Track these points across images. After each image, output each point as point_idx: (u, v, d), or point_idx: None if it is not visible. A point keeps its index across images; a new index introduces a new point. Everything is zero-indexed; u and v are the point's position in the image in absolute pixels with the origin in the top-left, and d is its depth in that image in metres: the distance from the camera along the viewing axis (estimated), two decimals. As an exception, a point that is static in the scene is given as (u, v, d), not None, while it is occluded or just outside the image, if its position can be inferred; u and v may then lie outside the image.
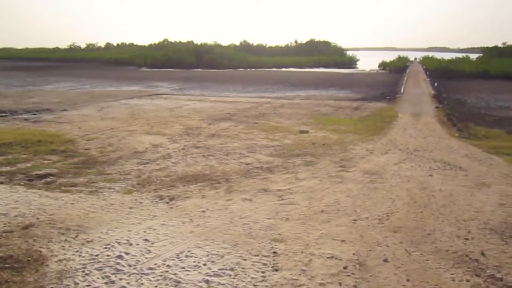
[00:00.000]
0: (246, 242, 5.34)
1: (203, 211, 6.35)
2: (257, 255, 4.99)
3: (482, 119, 17.17)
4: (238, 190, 7.35)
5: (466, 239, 5.51)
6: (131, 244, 5.23)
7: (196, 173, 8.35)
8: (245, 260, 4.87)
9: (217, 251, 5.07)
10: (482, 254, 5.11)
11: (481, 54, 73.40)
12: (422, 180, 8.05)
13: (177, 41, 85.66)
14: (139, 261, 4.82)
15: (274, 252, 5.07)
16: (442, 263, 4.87)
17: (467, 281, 4.52)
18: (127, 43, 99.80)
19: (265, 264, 4.77)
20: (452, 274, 4.65)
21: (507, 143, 12.36)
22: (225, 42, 79.86)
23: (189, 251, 5.06)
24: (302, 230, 5.69)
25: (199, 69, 56.25)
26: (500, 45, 72.45)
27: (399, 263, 4.83)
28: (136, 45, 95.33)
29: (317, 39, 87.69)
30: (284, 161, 9.25)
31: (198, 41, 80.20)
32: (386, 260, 4.89)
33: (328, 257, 4.95)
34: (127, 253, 4.99)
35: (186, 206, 6.56)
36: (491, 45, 75.61)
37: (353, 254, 5.03)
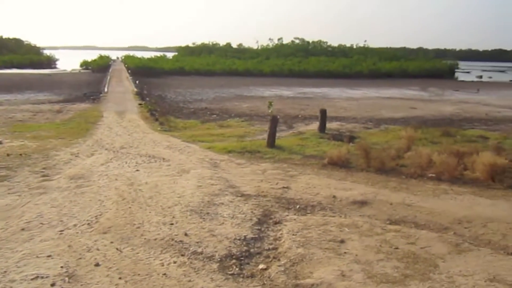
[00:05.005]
0: None
1: None
2: None
3: (181, 112, 18.95)
4: None
5: (172, 224, 5.95)
6: None
7: None
8: None
9: None
10: (186, 234, 5.63)
11: (176, 53, 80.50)
12: (129, 176, 8.24)
13: None
14: None
15: (-39, 291, 4.24)
16: (151, 252, 5.12)
17: (174, 262, 4.89)
18: None
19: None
20: (161, 260, 4.94)
21: (201, 131, 14.03)
22: None
23: None
24: (-2, 256, 4.95)
25: None
26: (190, 44, 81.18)
27: (111, 264, 4.80)
28: None
29: (5, 36, 77.48)
30: (-30, 181, 7.83)
31: None
32: (97, 264, 4.78)
33: (32, 279, 4.46)
34: None
35: None
36: (183, 44, 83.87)
37: (62, 267, 4.70)
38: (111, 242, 5.35)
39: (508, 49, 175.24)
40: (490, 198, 7.44)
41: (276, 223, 6.17)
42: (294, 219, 6.28)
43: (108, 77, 37.36)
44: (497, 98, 29.02)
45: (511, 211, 6.81)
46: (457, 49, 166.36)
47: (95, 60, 59.56)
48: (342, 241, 5.51)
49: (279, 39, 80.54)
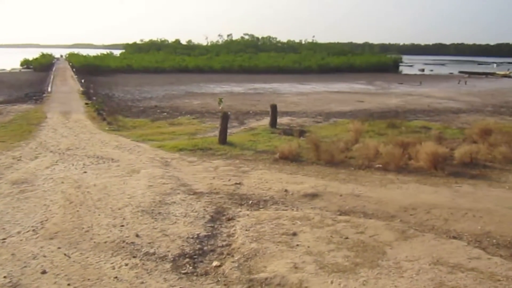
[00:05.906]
0: None
1: None
2: None
3: (130, 111, 18.49)
4: None
5: (122, 226, 5.81)
6: None
7: None
8: None
9: None
10: (137, 235, 5.52)
11: (123, 50, 78.37)
12: (76, 178, 7.96)
13: None
14: None
15: None
16: (101, 256, 4.98)
17: (126, 265, 4.79)
18: None
19: None
20: (112, 263, 4.82)
21: (152, 130, 13.77)
22: None
23: None
24: None
25: None
26: (138, 41, 79.30)
27: (59, 270, 4.63)
28: None
29: None
30: None
31: None
32: (44, 272, 4.60)
33: (-28, 291, 4.23)
34: None
35: None
36: (131, 41, 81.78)
37: (5, 277, 4.48)
38: (59, 248, 5.16)
39: (448, 43, 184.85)
40: (433, 186, 7.82)
41: (229, 219, 6.18)
42: (247, 215, 6.31)
43: (52, 76, 35.80)
44: (438, 90, 30.40)
45: (452, 197, 7.18)
46: (401, 43, 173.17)
47: (37, 58, 56.78)
48: (294, 234, 5.60)
49: (228, 35, 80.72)
